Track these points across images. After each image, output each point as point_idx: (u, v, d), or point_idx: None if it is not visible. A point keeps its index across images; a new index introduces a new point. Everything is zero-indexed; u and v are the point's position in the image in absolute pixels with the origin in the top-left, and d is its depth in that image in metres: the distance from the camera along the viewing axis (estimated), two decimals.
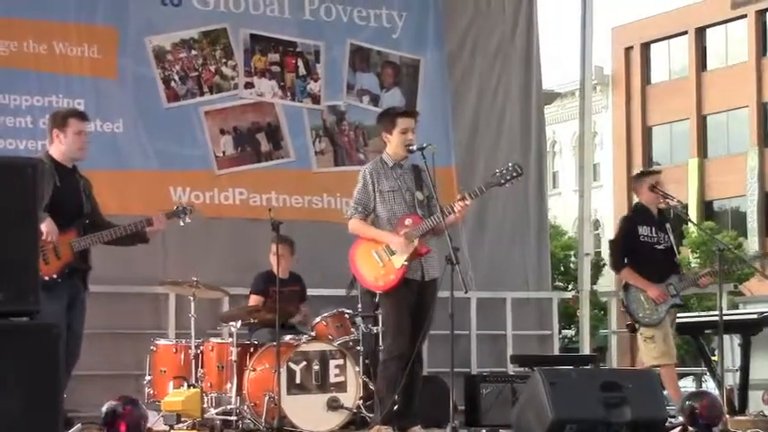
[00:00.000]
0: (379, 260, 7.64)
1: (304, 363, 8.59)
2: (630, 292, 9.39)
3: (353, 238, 7.97)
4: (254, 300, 9.60)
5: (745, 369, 10.73)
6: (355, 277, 8.01)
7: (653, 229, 9.34)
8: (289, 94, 11.16)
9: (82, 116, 7.94)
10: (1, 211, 5.44)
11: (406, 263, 7.59)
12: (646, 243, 9.32)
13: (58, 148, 7.78)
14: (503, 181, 7.80)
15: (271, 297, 9.35)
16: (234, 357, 8.70)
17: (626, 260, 9.46)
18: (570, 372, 7.67)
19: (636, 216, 9.50)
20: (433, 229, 7.69)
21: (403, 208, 7.72)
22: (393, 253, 7.62)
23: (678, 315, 9.74)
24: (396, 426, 7.46)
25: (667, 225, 9.45)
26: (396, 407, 7.46)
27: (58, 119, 7.87)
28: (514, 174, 7.78)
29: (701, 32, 42.05)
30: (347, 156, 11.21)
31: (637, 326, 9.36)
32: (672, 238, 9.42)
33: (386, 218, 7.73)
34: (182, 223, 8.56)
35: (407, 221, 7.68)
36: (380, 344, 8.74)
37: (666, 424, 7.62)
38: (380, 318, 8.11)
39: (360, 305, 9.09)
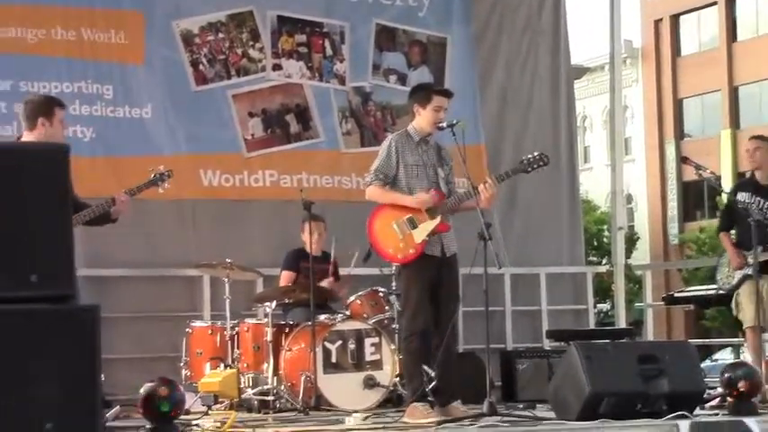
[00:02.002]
0: (400, 232, 7.58)
1: (339, 342, 8.61)
2: (723, 257, 9.49)
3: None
4: (286, 276, 9.61)
5: None
6: (372, 247, 7.95)
7: (753, 195, 9.26)
8: (317, 74, 11.16)
9: (62, 105, 7.89)
10: (34, 196, 5.47)
11: (426, 238, 7.56)
12: (742, 209, 9.27)
13: (39, 135, 7.58)
14: (529, 169, 7.82)
15: (302, 273, 9.37)
16: (269, 338, 8.73)
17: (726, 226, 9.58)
18: (606, 345, 7.61)
19: (738, 182, 9.40)
20: (452, 209, 7.67)
21: (425, 183, 7.68)
22: (414, 227, 7.58)
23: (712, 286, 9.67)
24: (436, 402, 7.44)
25: None
26: (433, 383, 7.45)
27: (43, 107, 7.72)
28: (541, 163, 7.80)
29: (730, 3, 41.69)
30: (374, 136, 11.20)
31: None
32: None
33: (407, 190, 7.69)
34: (161, 190, 8.40)
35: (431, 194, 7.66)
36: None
37: (705, 395, 7.58)
38: (400, 291, 7.99)
39: (394, 283, 9.09)
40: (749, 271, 9.14)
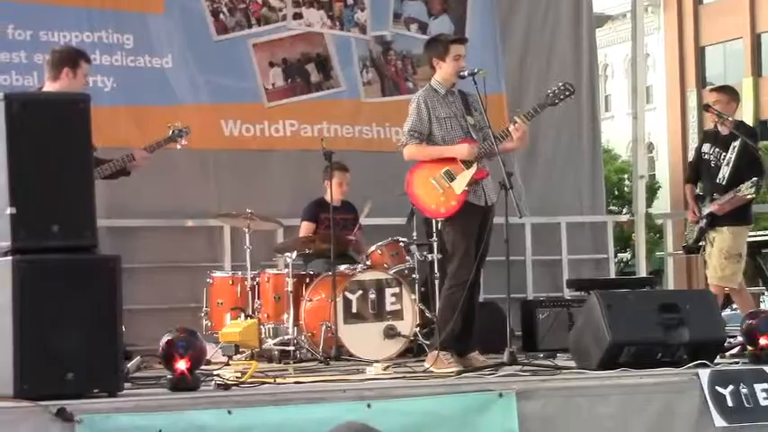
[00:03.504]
0: (439, 187, 7.55)
1: (360, 292, 8.62)
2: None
3: (405, 167, 7.89)
4: (306, 227, 9.60)
5: None
6: (414, 207, 7.92)
7: (712, 146, 9.24)
8: (337, 23, 11.10)
9: (89, 60, 7.87)
10: (55, 146, 5.48)
11: (467, 188, 7.51)
12: (704, 161, 9.26)
13: (61, 85, 7.55)
14: (556, 101, 7.74)
15: (322, 224, 9.36)
16: (290, 288, 8.75)
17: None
18: (627, 294, 7.61)
19: (705, 134, 9.41)
20: (488, 153, 7.61)
21: (459, 134, 7.65)
22: (453, 178, 7.54)
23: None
24: (455, 351, 7.46)
25: (734, 143, 9.19)
26: (455, 332, 7.46)
27: (71, 58, 7.68)
28: (567, 93, 7.71)
29: None
30: (395, 86, 11.16)
31: None
32: (732, 156, 9.18)
33: (442, 143, 7.64)
34: (178, 146, 8.53)
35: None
36: (436, 271, 8.72)
37: (725, 344, 7.58)
38: (446, 244, 7.87)
39: (415, 233, 9.08)
40: (702, 224, 9.21)
